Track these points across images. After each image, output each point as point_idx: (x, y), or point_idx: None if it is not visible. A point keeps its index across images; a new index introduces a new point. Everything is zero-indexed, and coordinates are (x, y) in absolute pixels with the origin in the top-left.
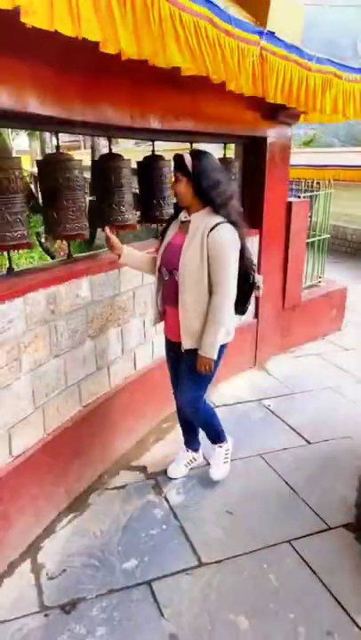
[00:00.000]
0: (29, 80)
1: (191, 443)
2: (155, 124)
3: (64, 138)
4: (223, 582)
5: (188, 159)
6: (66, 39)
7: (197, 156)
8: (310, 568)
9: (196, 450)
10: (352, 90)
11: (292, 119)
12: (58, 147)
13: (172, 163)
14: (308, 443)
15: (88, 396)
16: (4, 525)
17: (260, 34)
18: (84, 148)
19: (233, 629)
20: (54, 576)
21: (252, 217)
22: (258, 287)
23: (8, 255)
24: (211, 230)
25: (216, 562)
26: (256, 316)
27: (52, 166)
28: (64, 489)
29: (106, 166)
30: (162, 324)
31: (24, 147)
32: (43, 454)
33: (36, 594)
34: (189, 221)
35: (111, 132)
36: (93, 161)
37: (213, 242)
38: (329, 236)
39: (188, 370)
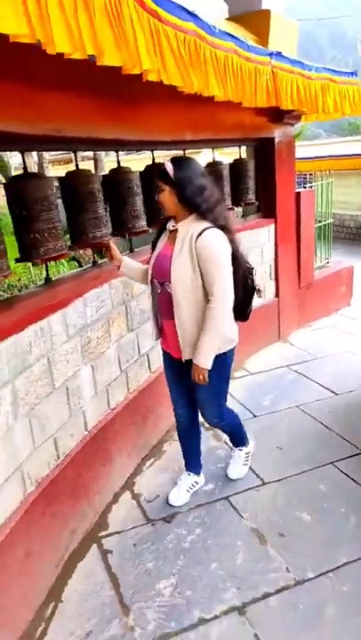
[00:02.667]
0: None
1: (193, 466)
2: (187, 136)
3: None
4: (284, 493)
5: (169, 167)
6: (112, 71)
7: (179, 162)
8: (352, 479)
9: (198, 473)
10: (346, 91)
11: (295, 120)
12: (77, 165)
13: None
14: (336, 394)
15: (154, 364)
16: (108, 463)
17: (271, 55)
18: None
19: (299, 521)
20: (151, 500)
21: (267, 208)
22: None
23: (93, 254)
24: (198, 236)
25: (276, 480)
26: (277, 295)
27: (74, 181)
28: (144, 439)
29: (121, 178)
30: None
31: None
32: (127, 410)
33: (140, 512)
34: (177, 230)
35: (153, 146)
36: (111, 172)
37: (202, 247)
38: (332, 220)
39: (200, 386)
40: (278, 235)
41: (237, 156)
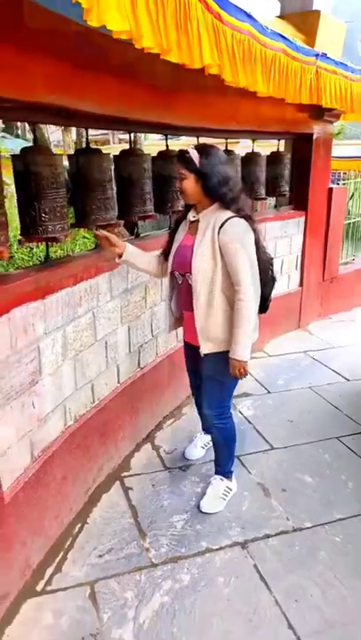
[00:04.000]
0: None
1: (208, 428)
2: (232, 126)
3: (93, 132)
4: (290, 458)
5: (194, 155)
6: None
7: (204, 151)
8: (354, 452)
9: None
10: None
11: (334, 118)
12: (131, 144)
13: (177, 159)
14: (347, 380)
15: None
16: (134, 416)
17: (316, 55)
18: (112, 142)
19: (301, 482)
20: (169, 452)
21: (299, 201)
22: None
23: (134, 229)
24: (222, 226)
25: (284, 447)
26: (301, 284)
27: (89, 161)
28: (166, 401)
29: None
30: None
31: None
32: (154, 371)
33: (159, 461)
34: (198, 220)
35: (197, 133)
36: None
37: (226, 237)
38: None
39: (210, 376)
40: (308, 227)
41: (273, 149)
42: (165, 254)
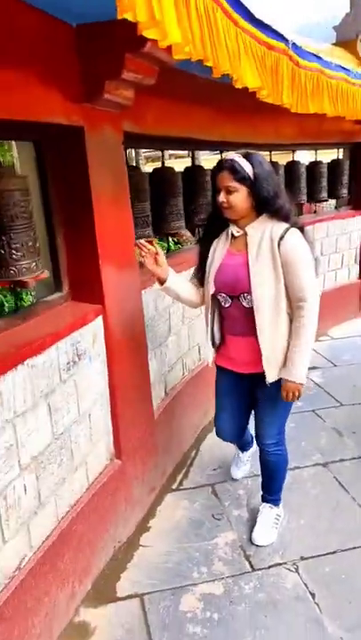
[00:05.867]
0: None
1: (245, 445)
2: (298, 140)
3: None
4: (357, 411)
5: (245, 165)
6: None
7: (254, 158)
8: None
9: (250, 444)
10: None
11: None
12: (193, 161)
13: (215, 171)
14: None
15: None
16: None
17: None
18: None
19: None
20: None
21: (357, 201)
22: None
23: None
24: (281, 238)
25: (351, 404)
26: (360, 277)
27: (161, 177)
28: None
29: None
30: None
31: None
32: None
33: None
34: (243, 235)
35: (273, 147)
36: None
37: (288, 250)
38: None
39: (273, 404)
40: None
41: (335, 157)
42: (199, 278)
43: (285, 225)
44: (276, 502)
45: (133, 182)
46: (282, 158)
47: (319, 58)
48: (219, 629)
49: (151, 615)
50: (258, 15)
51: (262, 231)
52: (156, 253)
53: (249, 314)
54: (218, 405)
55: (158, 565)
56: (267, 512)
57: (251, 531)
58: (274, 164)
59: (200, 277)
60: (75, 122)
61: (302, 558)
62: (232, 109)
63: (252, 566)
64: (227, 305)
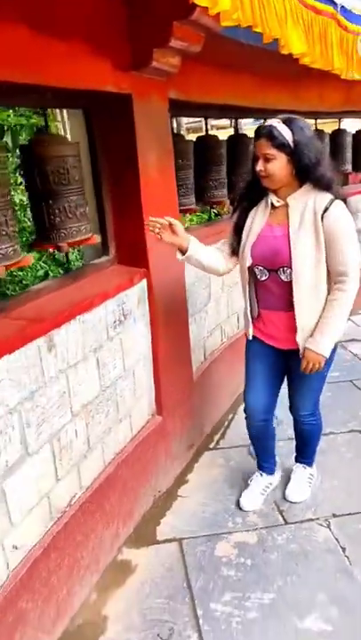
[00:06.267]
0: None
1: (267, 464)
2: (344, 107)
3: (187, 120)
4: None
5: (284, 131)
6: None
7: (295, 123)
8: None
9: (272, 472)
10: None
11: None
12: (236, 130)
13: (255, 137)
14: None
15: None
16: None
17: None
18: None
19: None
20: None
21: None
22: None
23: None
24: (325, 211)
25: None
26: None
27: (205, 145)
28: None
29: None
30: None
31: None
32: None
33: None
34: (284, 206)
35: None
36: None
37: (332, 223)
38: None
39: (308, 377)
40: None
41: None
42: (233, 248)
43: (329, 196)
44: (309, 463)
45: (178, 150)
46: (327, 127)
47: None
48: (252, 574)
49: (189, 557)
50: None
51: (305, 202)
52: (171, 224)
53: (286, 288)
54: (249, 374)
55: (196, 514)
56: (300, 471)
57: (285, 489)
58: (319, 133)
59: (235, 246)
60: (123, 89)
61: (334, 515)
62: (276, 76)
63: (285, 520)
64: (263, 278)
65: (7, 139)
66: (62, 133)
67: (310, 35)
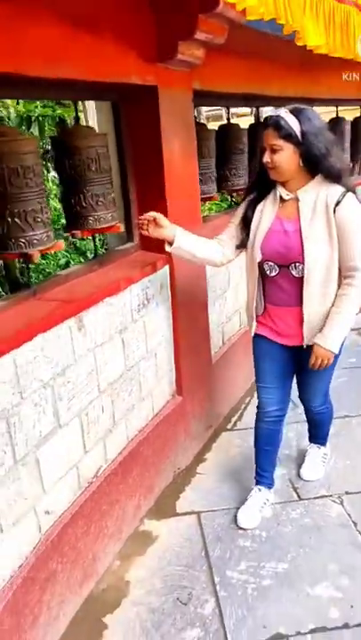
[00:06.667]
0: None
1: (266, 477)
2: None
3: (207, 109)
4: None
5: (291, 121)
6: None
7: (302, 113)
8: None
9: (270, 486)
10: None
11: None
12: (229, 119)
13: (263, 127)
14: None
15: None
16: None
17: None
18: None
19: None
20: None
21: None
22: None
23: None
24: (337, 204)
25: None
26: None
27: (227, 134)
28: None
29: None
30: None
31: None
32: None
33: None
34: (294, 199)
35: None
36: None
37: (344, 216)
38: None
39: (317, 371)
40: None
41: None
42: (237, 239)
43: (341, 188)
44: (323, 443)
45: (200, 139)
46: (349, 114)
47: None
48: (267, 545)
49: (207, 529)
50: None
51: (316, 195)
52: (154, 219)
53: (297, 283)
54: (259, 374)
55: (213, 490)
56: (314, 451)
57: (299, 467)
58: (340, 120)
59: (240, 238)
60: (149, 81)
61: (347, 493)
62: (296, 63)
63: (299, 496)
64: (273, 274)
65: (34, 129)
66: (85, 124)
67: (331, 24)
